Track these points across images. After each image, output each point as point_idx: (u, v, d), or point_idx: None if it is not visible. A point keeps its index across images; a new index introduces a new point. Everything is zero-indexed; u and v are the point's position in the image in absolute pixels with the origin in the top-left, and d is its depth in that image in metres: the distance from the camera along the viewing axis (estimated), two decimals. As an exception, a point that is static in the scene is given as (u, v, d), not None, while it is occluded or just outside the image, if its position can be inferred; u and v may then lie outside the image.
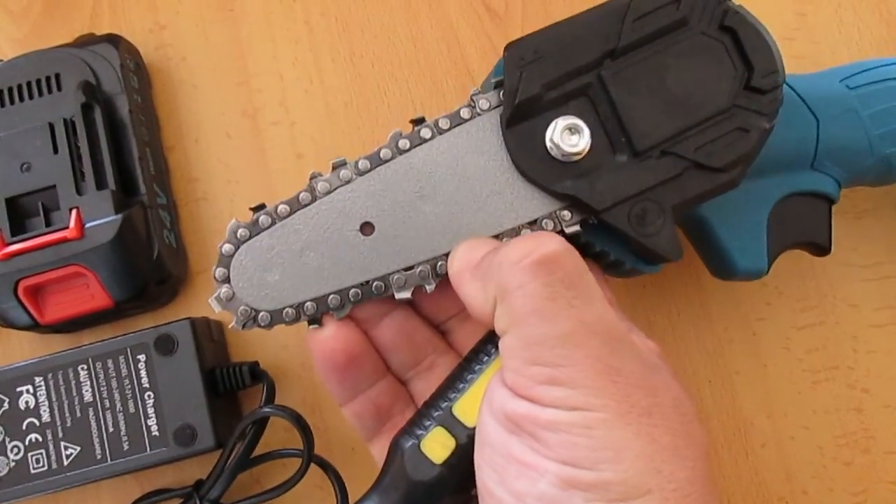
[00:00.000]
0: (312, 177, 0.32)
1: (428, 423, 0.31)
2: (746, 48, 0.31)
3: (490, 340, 0.31)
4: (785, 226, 0.34)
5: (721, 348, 0.42)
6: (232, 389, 0.40)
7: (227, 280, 0.31)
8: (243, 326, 0.31)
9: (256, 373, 0.41)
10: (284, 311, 0.31)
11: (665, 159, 0.31)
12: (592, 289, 0.27)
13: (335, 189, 0.31)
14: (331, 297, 0.31)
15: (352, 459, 0.41)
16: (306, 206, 0.31)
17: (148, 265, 0.40)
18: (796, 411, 0.41)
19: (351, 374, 0.33)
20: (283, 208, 0.31)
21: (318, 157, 0.44)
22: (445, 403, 0.31)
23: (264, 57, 0.45)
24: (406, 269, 0.31)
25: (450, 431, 0.30)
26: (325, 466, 0.39)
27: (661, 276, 0.41)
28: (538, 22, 0.44)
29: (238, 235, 0.31)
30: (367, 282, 0.31)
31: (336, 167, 0.32)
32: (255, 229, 0.31)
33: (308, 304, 0.31)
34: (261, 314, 0.31)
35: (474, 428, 0.29)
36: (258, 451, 0.39)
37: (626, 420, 0.26)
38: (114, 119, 0.41)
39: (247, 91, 0.45)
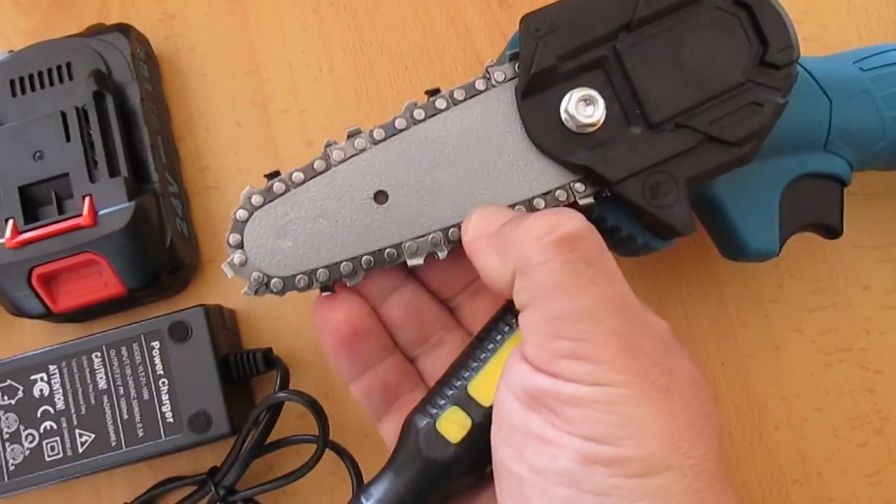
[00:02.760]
0: (327, 145, 0.32)
1: (442, 402, 0.31)
2: (762, 23, 0.31)
3: (502, 318, 0.31)
4: (797, 207, 0.34)
5: (734, 330, 0.42)
6: (246, 376, 0.40)
7: (240, 246, 0.31)
8: (255, 292, 0.31)
9: (270, 359, 0.41)
10: (297, 278, 0.31)
11: (679, 132, 0.31)
12: (612, 267, 0.28)
13: (349, 157, 0.31)
14: (343, 264, 0.31)
15: (364, 445, 0.41)
16: (321, 173, 0.31)
17: (161, 253, 0.40)
18: (809, 393, 0.41)
19: (358, 349, 0.33)
20: (297, 175, 0.31)
21: (325, 139, 0.44)
22: (460, 383, 0.31)
23: (273, 45, 0.45)
24: (419, 237, 0.31)
25: (465, 411, 0.30)
26: (340, 452, 0.39)
27: (673, 257, 0.42)
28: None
29: (252, 202, 0.31)
30: (380, 249, 0.31)
31: (351, 136, 0.32)
32: (269, 196, 0.31)
33: (320, 270, 0.31)
34: (273, 280, 0.31)
35: (490, 407, 0.29)
36: (272, 437, 0.39)
37: (647, 396, 0.26)
38: (125, 107, 0.41)
39: (256, 80, 0.45)
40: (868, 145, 0.35)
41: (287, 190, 0.31)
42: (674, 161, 0.30)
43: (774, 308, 0.42)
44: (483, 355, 0.31)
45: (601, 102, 0.31)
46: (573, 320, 0.26)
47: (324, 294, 0.32)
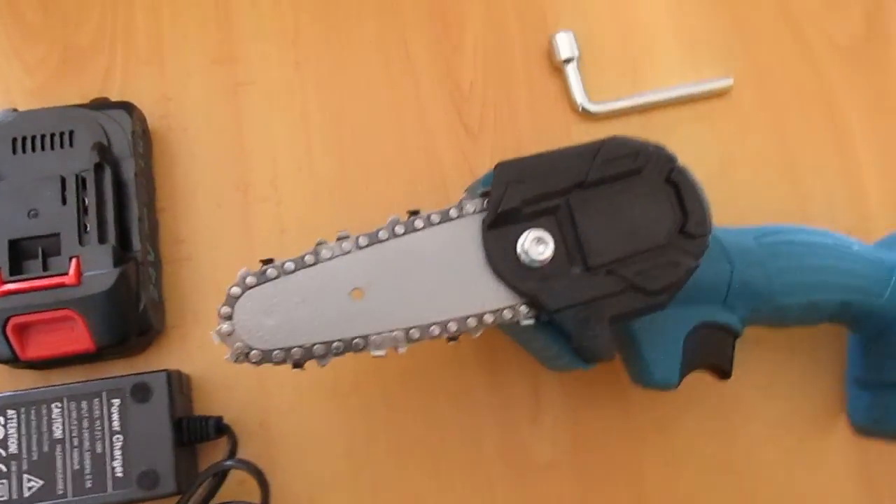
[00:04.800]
0: (319, 243, 0.37)
1: None
2: (685, 200, 0.38)
3: None
4: (696, 349, 0.41)
5: (636, 447, 0.48)
6: (195, 440, 0.43)
7: (230, 318, 0.35)
8: (236, 360, 0.35)
9: (221, 427, 0.44)
10: (275, 353, 0.35)
11: (610, 277, 0.37)
12: None
13: (336, 256, 0.36)
14: (316, 346, 0.35)
15: (297, 517, 0.45)
16: (309, 266, 0.36)
17: (134, 317, 0.43)
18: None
19: None
20: (289, 265, 0.36)
21: (301, 234, 0.49)
22: None
23: (261, 138, 0.50)
24: (383, 333, 0.36)
25: None
26: (277, 521, 0.42)
27: (592, 376, 0.48)
28: (507, 138, 0.51)
29: (246, 282, 0.36)
30: (350, 338, 0.36)
31: (340, 238, 0.37)
32: (261, 279, 0.36)
33: (296, 349, 0.35)
34: (253, 352, 0.35)
35: None
36: (214, 501, 0.42)
37: None
38: (120, 179, 0.45)
39: (241, 167, 0.50)
40: (758, 306, 0.42)
41: (278, 276, 0.36)
42: (603, 300, 0.37)
43: (672, 429, 0.48)
44: None
45: (551, 244, 0.37)
46: None
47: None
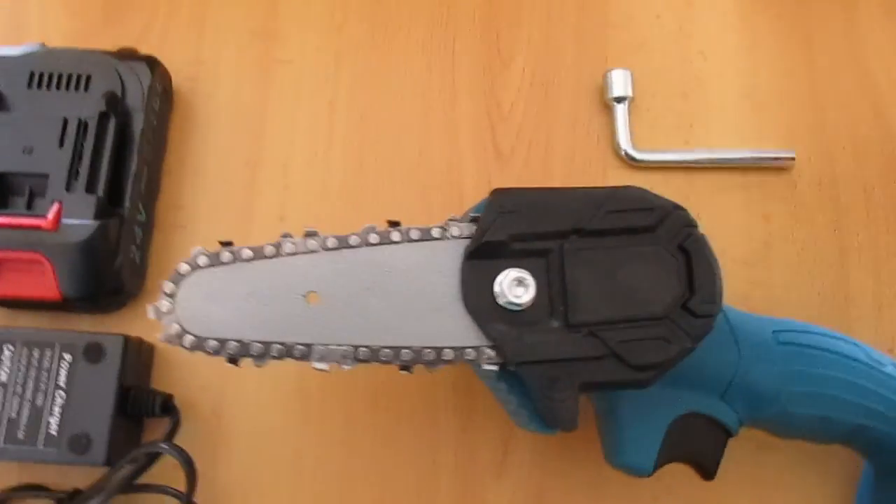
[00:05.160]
0: (283, 235, 0.34)
1: None
2: (695, 273, 0.34)
3: None
4: (680, 439, 0.36)
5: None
6: (140, 414, 0.41)
7: (172, 295, 0.33)
8: (168, 341, 0.33)
9: (168, 406, 0.42)
10: (210, 343, 0.32)
11: (590, 339, 0.33)
12: None
13: (298, 254, 0.34)
14: (255, 344, 0.33)
15: (228, 516, 0.42)
16: (268, 258, 0.33)
17: (106, 274, 0.42)
18: None
19: None
20: (246, 252, 0.33)
21: (299, 224, 0.45)
22: None
23: (283, 119, 0.48)
24: (330, 345, 0.33)
25: None
26: (199, 517, 0.40)
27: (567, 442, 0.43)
28: (537, 169, 0.48)
29: (198, 261, 0.33)
30: (293, 343, 0.33)
31: (307, 235, 0.34)
32: (215, 261, 0.33)
33: (233, 343, 0.32)
34: (187, 337, 0.32)
35: None
36: (143, 480, 0.40)
37: None
38: (125, 133, 0.43)
39: (256, 144, 0.48)
40: (762, 408, 0.37)
41: (233, 261, 0.33)
42: (576, 363, 0.33)
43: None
44: None
45: (532, 289, 0.33)
46: None
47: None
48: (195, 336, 0.32)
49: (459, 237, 0.34)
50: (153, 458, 0.40)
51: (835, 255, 0.47)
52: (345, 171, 0.48)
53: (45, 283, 0.41)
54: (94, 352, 0.41)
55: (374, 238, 0.34)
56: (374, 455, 0.44)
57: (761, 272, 0.47)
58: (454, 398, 0.44)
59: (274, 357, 0.33)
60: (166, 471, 0.41)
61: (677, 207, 0.34)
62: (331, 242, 0.34)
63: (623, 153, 0.48)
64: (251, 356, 0.33)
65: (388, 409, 0.44)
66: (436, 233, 0.34)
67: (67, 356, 0.41)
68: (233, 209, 0.47)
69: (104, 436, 0.40)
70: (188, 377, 0.44)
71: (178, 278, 0.33)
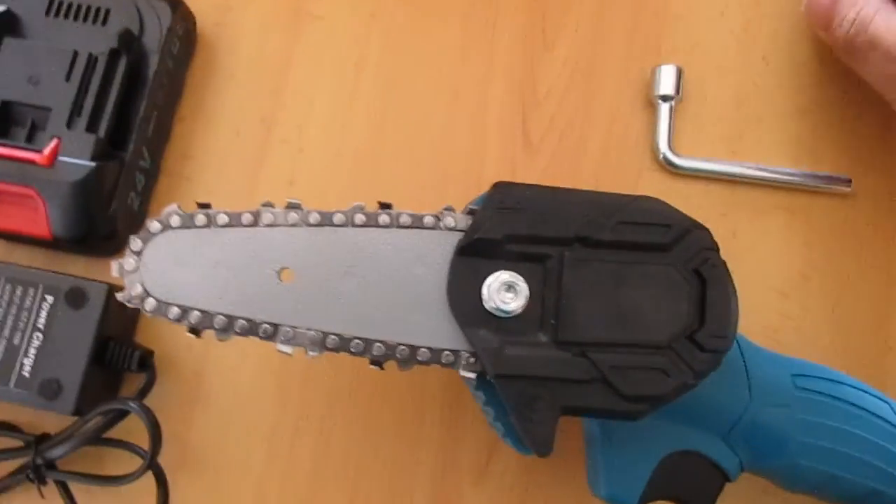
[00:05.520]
0: (264, 204, 0.32)
1: None
2: (708, 302, 0.30)
3: None
4: (672, 478, 0.33)
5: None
6: (117, 367, 0.40)
7: (139, 253, 0.31)
8: (129, 301, 0.31)
9: (145, 362, 0.40)
10: (171, 309, 0.30)
11: (579, 360, 0.30)
12: None
13: (277, 226, 0.31)
14: (218, 317, 0.30)
15: (196, 482, 0.41)
16: (244, 226, 0.31)
17: (99, 218, 0.40)
18: None
19: None
20: (222, 217, 0.31)
21: (308, 190, 0.44)
22: None
23: (306, 77, 0.46)
24: (298, 328, 0.31)
25: None
26: (160, 481, 0.38)
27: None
28: (565, 163, 0.44)
29: (170, 220, 0.31)
30: (260, 321, 0.31)
31: (289, 207, 0.32)
32: (188, 223, 0.31)
33: (196, 313, 0.30)
34: (149, 299, 0.30)
35: None
36: (113, 433, 0.39)
37: None
38: (138, 74, 0.42)
39: (274, 101, 0.45)
40: (766, 458, 0.34)
41: (207, 225, 0.31)
42: (561, 384, 0.30)
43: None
44: None
45: (524, 296, 0.30)
46: None
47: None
48: (157, 300, 0.30)
49: (454, 229, 0.31)
50: (122, 414, 0.39)
51: (880, 297, 0.43)
52: (362, 140, 0.45)
53: (37, 219, 0.40)
54: (76, 297, 0.39)
55: (360, 219, 0.31)
56: (352, 442, 0.42)
57: (794, 305, 0.43)
58: (443, 395, 0.42)
59: (237, 333, 0.30)
60: (138, 426, 0.40)
61: (698, 227, 0.31)
62: (313, 218, 0.31)
63: (661, 157, 0.44)
64: (214, 329, 0.30)
65: (371, 398, 0.42)
66: (428, 221, 0.31)
67: (49, 298, 0.39)
68: (242, 166, 0.45)
69: (76, 384, 0.38)
70: (173, 335, 0.43)
71: (147, 236, 0.31)
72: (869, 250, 0.43)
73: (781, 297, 0.43)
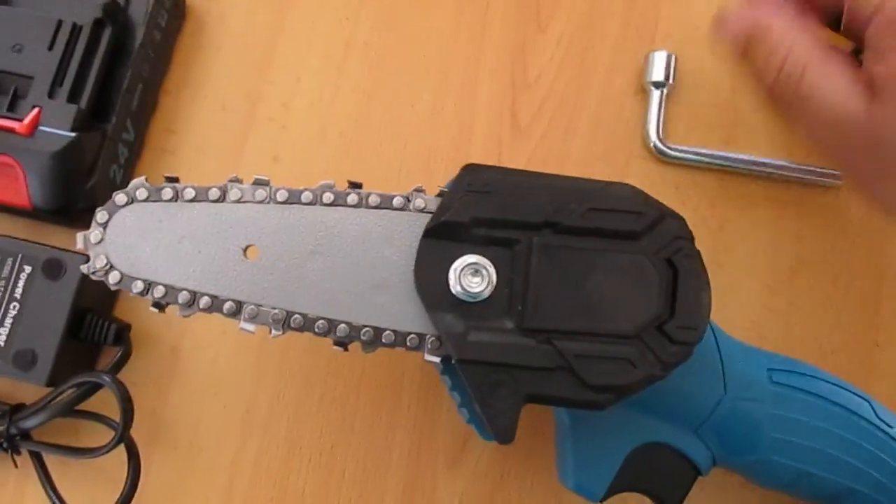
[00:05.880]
0: (232, 180, 0.32)
1: None
2: (679, 292, 0.30)
3: None
4: (641, 469, 0.33)
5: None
6: (93, 341, 0.40)
7: (104, 225, 0.31)
8: (93, 274, 0.31)
9: (121, 336, 0.40)
10: (135, 283, 0.30)
11: (544, 347, 0.29)
12: None
13: (244, 202, 0.31)
14: (182, 292, 0.30)
15: (170, 457, 0.41)
16: (211, 201, 0.31)
17: (80, 190, 0.40)
18: None
19: None
20: (189, 192, 0.31)
21: (292, 167, 0.44)
22: None
23: (293, 55, 0.45)
24: (262, 306, 0.30)
25: None
26: (132, 454, 0.38)
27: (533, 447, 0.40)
28: (553, 147, 0.44)
29: (136, 193, 0.31)
30: (224, 297, 0.30)
31: (257, 183, 0.31)
32: (154, 196, 0.31)
33: (160, 287, 0.30)
34: (114, 272, 0.30)
35: None
36: (87, 405, 0.39)
37: None
38: (122, 45, 0.41)
39: (261, 78, 0.45)
40: (738, 452, 0.33)
41: (174, 199, 0.31)
42: (525, 371, 0.29)
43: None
44: None
45: (491, 281, 0.30)
46: None
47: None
48: (121, 273, 0.30)
49: (423, 210, 0.31)
50: (96, 386, 0.39)
51: (870, 293, 0.42)
52: (348, 118, 0.44)
53: (17, 188, 0.39)
54: (53, 268, 0.39)
55: (328, 197, 0.31)
56: (327, 422, 0.41)
57: (782, 300, 0.42)
58: (421, 379, 0.42)
59: (201, 309, 0.30)
60: (114, 399, 0.40)
61: (672, 215, 0.30)
62: (280, 195, 0.31)
63: (651, 144, 0.43)
64: (178, 305, 0.30)
65: (349, 377, 0.42)
66: (397, 202, 0.31)
67: (27, 268, 0.39)
68: (226, 142, 0.44)
69: (50, 356, 0.38)
70: (153, 312, 0.42)
71: (112, 208, 0.30)
72: (859, 246, 0.42)
73: (769, 290, 0.42)
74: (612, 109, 0.44)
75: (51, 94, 0.39)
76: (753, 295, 0.42)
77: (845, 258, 0.42)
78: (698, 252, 0.30)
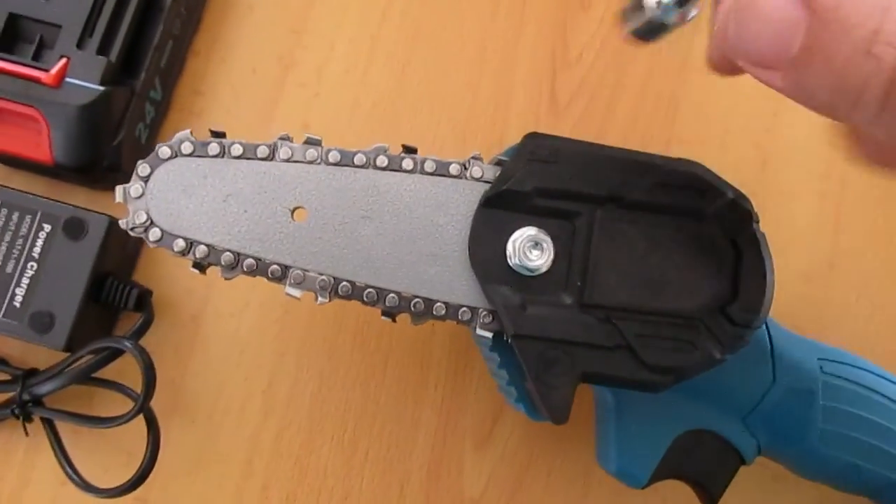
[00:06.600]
0: (281, 138, 0.30)
1: None
2: (743, 275, 0.29)
3: None
4: (686, 457, 0.32)
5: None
6: (113, 305, 0.38)
7: (146, 180, 0.29)
8: (132, 230, 0.29)
9: (143, 301, 0.39)
10: (176, 241, 0.29)
11: (604, 325, 0.28)
12: None
13: (294, 161, 0.29)
14: (226, 253, 0.29)
15: (187, 430, 0.40)
16: (259, 159, 0.29)
17: (105, 148, 0.38)
18: None
19: None
20: (236, 148, 0.29)
21: (322, 136, 0.42)
22: None
23: (328, 20, 0.44)
24: (308, 272, 0.29)
25: None
26: (151, 425, 0.37)
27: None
28: (591, 127, 0.43)
29: (182, 147, 0.29)
30: (269, 261, 0.29)
31: (308, 143, 0.30)
32: (200, 150, 0.29)
33: (202, 247, 0.29)
34: (154, 229, 0.29)
35: None
36: (103, 374, 0.37)
37: None
38: (154, 1, 0.40)
39: (294, 41, 0.43)
40: (786, 443, 0.32)
41: (220, 155, 0.29)
42: (582, 349, 0.28)
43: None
44: None
45: (550, 255, 0.29)
46: None
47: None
48: (162, 230, 0.29)
49: (480, 179, 0.30)
50: (116, 353, 0.37)
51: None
52: (382, 89, 0.43)
53: (39, 143, 0.38)
54: (75, 227, 0.37)
55: (382, 161, 0.29)
56: (352, 398, 0.40)
57: (819, 289, 0.41)
58: (447, 362, 0.40)
59: (245, 272, 0.29)
60: (130, 368, 0.39)
61: (739, 195, 0.29)
62: (332, 156, 0.29)
63: (693, 128, 0.42)
64: (221, 266, 0.29)
65: (376, 352, 0.41)
66: (454, 169, 0.30)
67: (47, 226, 0.38)
68: (255, 106, 0.43)
69: (69, 319, 0.37)
70: (174, 277, 0.41)
71: (155, 162, 0.29)
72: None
73: (805, 280, 0.42)
74: (653, 90, 0.43)
75: (79, 45, 0.38)
76: (789, 284, 0.41)
77: (883, 253, 0.42)
78: (763, 235, 0.29)
